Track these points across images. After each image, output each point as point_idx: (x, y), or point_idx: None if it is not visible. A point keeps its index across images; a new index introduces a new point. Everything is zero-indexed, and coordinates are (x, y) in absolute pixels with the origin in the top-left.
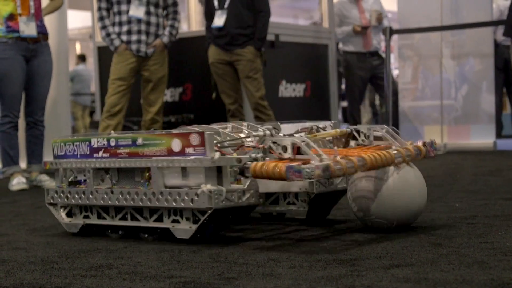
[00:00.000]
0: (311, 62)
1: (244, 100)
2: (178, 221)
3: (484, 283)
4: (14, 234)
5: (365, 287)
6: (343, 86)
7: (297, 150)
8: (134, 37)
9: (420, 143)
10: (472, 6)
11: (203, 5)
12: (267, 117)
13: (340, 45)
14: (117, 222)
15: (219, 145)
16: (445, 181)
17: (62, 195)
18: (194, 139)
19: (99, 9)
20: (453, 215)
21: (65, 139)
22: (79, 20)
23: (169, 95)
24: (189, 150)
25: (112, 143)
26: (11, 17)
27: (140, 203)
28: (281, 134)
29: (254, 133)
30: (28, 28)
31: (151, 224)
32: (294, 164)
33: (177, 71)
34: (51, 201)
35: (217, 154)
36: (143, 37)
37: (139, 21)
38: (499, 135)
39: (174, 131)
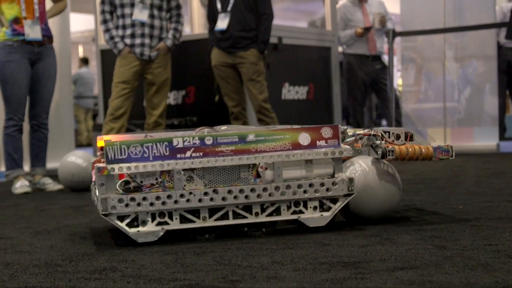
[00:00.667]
0: (314, 64)
1: (247, 102)
2: (301, 212)
3: (489, 286)
4: (18, 237)
5: None
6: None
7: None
8: (137, 40)
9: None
10: (475, 8)
11: (206, 8)
12: (270, 119)
13: (340, 49)
14: (211, 223)
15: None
16: (448, 183)
17: (131, 202)
18: (327, 132)
19: (103, 12)
20: (457, 218)
21: (128, 141)
22: (81, 23)
23: (172, 98)
24: (320, 142)
25: (208, 142)
26: (16, 20)
27: (258, 199)
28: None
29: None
30: (33, 32)
31: (264, 219)
32: (441, 145)
33: (180, 74)
34: (112, 211)
35: (346, 146)
36: (147, 40)
37: (142, 24)
38: (502, 137)
39: (295, 126)
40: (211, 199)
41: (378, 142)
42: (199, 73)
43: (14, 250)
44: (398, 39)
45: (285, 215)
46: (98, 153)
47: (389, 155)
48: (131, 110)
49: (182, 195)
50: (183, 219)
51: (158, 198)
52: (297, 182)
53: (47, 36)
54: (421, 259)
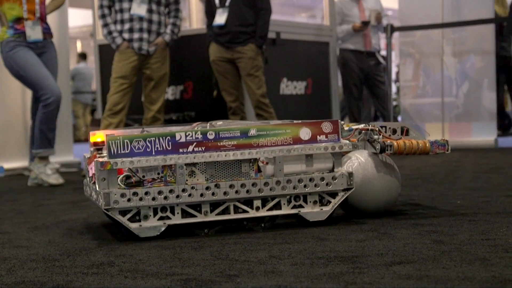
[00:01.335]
0: (312, 59)
1: (245, 97)
2: (301, 206)
3: (486, 280)
4: (15, 232)
5: (367, 284)
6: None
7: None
8: (136, 35)
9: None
10: (473, 3)
11: (204, 3)
12: (268, 114)
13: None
14: (213, 217)
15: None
16: (446, 178)
17: (133, 197)
18: (327, 127)
19: (101, 6)
20: (454, 212)
21: (131, 136)
22: (80, 18)
23: (170, 93)
24: (321, 137)
25: (210, 136)
26: (18, 20)
27: (259, 193)
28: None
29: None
30: (34, 33)
31: (264, 213)
32: (438, 139)
33: (178, 69)
34: (114, 206)
35: (346, 140)
36: (145, 35)
37: (141, 19)
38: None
39: (296, 121)
40: (213, 194)
41: (375, 136)
42: (197, 68)
43: (12, 245)
44: (396, 34)
45: (286, 210)
46: (91, 149)
47: (387, 150)
48: (129, 105)
49: (184, 190)
50: (185, 214)
51: (160, 192)
52: (297, 176)
53: (48, 33)
54: (419, 253)
